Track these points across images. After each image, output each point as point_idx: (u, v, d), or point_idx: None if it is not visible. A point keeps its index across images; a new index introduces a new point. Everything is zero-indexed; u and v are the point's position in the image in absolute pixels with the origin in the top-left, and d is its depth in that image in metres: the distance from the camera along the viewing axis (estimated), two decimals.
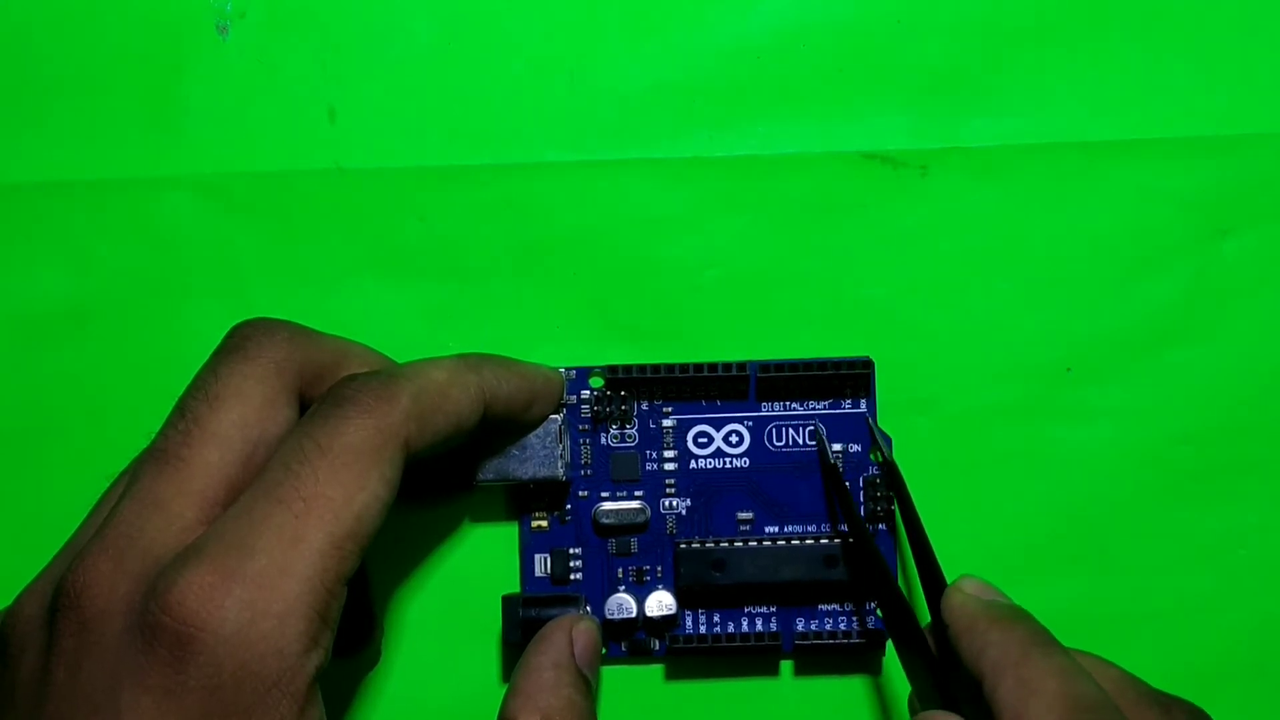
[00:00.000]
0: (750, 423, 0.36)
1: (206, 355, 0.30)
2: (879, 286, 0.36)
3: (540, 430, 0.34)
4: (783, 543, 0.35)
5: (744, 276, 0.36)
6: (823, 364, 0.35)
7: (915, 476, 0.35)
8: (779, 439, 0.36)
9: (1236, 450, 0.36)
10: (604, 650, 0.35)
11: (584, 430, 0.36)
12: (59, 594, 0.27)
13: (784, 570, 0.35)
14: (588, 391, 0.36)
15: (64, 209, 0.36)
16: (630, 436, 0.36)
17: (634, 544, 0.35)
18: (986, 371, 0.36)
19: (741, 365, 0.35)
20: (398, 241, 0.36)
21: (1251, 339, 0.36)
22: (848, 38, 0.36)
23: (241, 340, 0.30)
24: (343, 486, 0.28)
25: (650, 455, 0.36)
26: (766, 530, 0.36)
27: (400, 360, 0.32)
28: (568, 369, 0.35)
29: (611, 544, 0.36)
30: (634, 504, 0.35)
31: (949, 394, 0.36)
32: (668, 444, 0.36)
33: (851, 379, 0.36)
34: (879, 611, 0.35)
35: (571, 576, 0.35)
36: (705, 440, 0.36)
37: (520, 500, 0.36)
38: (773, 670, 0.36)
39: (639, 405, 0.36)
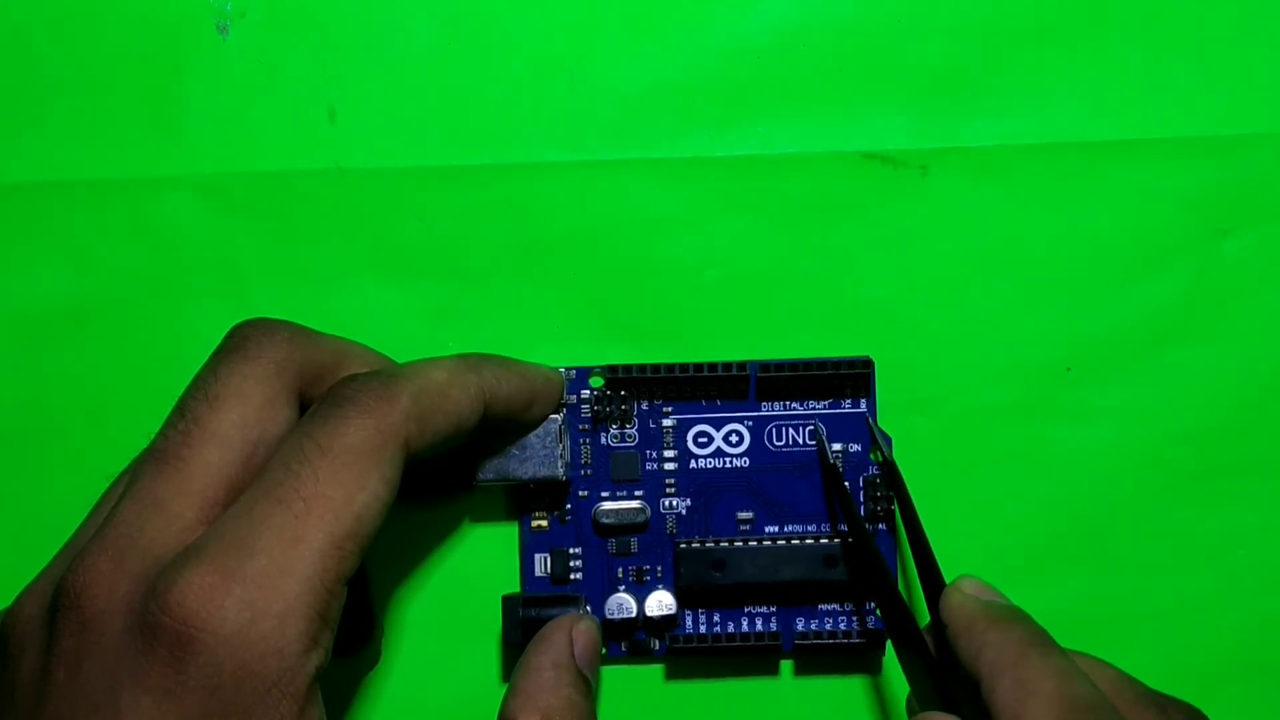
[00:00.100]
0: (750, 423, 0.36)
1: (206, 355, 0.30)
2: (879, 286, 0.36)
3: (540, 430, 0.34)
4: (783, 543, 0.35)
5: (744, 276, 0.36)
6: (823, 364, 0.35)
7: (915, 476, 0.35)
8: (779, 439, 0.36)
9: (1236, 450, 0.36)
10: (604, 650, 0.35)
11: (584, 430, 0.36)
12: (59, 594, 0.27)
13: (784, 570, 0.35)
14: (588, 391, 0.36)
15: (64, 209, 0.36)
16: (630, 436, 0.36)
17: (634, 544, 0.35)
18: (986, 371, 0.36)
19: (741, 365, 0.35)
20: (398, 241, 0.36)
21: (1251, 339, 0.36)
22: (848, 38, 0.36)
23: (241, 340, 0.30)
24: (343, 486, 0.28)
25: (650, 455, 0.36)
26: (766, 530, 0.36)
27: (400, 360, 0.33)
28: (568, 369, 0.35)
29: (611, 544, 0.36)
30: (634, 504, 0.36)
31: (949, 394, 0.36)
32: (668, 444, 0.36)
33: (851, 379, 0.36)
34: (878, 611, 0.35)
35: (571, 576, 0.35)
36: (705, 440, 0.36)
37: (520, 500, 0.36)
38: (773, 670, 0.36)
39: (639, 405, 0.36)
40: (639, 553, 0.36)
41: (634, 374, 0.35)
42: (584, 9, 0.36)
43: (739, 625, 0.35)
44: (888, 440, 0.35)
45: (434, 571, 0.36)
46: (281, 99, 0.36)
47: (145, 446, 0.29)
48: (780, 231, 0.36)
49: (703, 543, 0.35)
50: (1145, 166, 0.36)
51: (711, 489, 0.36)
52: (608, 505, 0.35)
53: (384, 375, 0.30)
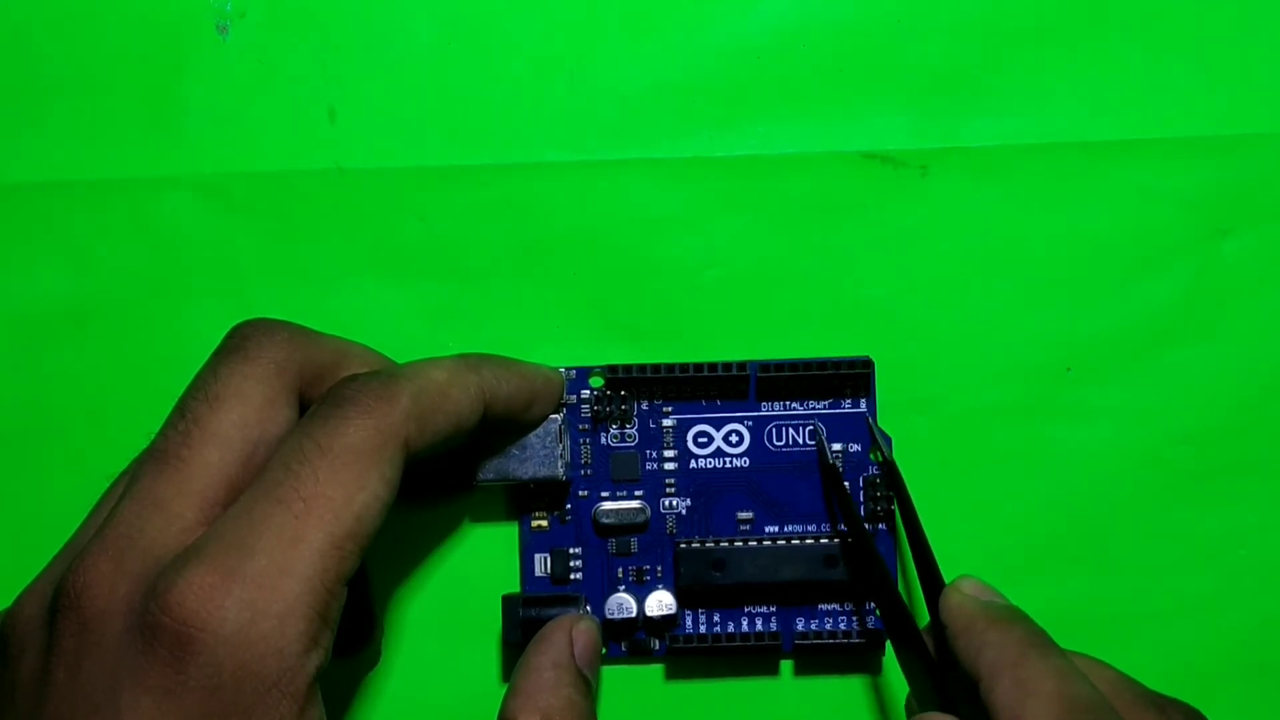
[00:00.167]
0: (750, 422, 0.36)
1: (206, 355, 0.30)
2: (879, 286, 0.36)
3: (540, 430, 0.34)
4: (783, 542, 0.35)
5: (744, 276, 0.36)
6: (823, 364, 0.35)
7: (915, 476, 0.35)
8: (779, 439, 0.36)
9: (1236, 450, 0.36)
10: (604, 650, 0.35)
11: (584, 430, 0.36)
12: (59, 594, 0.27)
13: (784, 570, 0.35)
14: (588, 391, 0.36)
15: (64, 209, 0.36)
16: (630, 436, 0.36)
17: (634, 544, 0.36)
18: (986, 371, 0.36)
19: (741, 365, 0.35)
20: (398, 241, 0.36)
21: (1251, 339, 0.36)
22: (848, 38, 0.36)
23: (241, 340, 0.30)
24: (343, 486, 0.28)
25: (650, 455, 0.36)
26: (766, 530, 0.36)
27: (400, 360, 0.32)
28: (568, 369, 0.35)
29: (611, 544, 0.36)
30: (634, 504, 0.36)
31: (949, 394, 0.36)
32: (668, 444, 0.36)
33: (851, 379, 0.36)
34: (878, 612, 0.35)
35: (571, 576, 0.35)
36: (705, 440, 0.36)
37: (520, 500, 0.36)
38: (773, 670, 0.36)
39: (639, 405, 0.36)
40: (639, 553, 0.36)
41: (634, 374, 0.35)
42: (584, 9, 0.36)
43: (739, 625, 0.35)
44: (888, 440, 0.35)
45: (434, 571, 0.36)
46: (281, 99, 0.36)
47: (145, 446, 0.29)
48: (780, 231, 0.36)
49: (703, 543, 0.35)
50: (1145, 166, 0.36)
51: (711, 489, 0.36)
52: (608, 505, 0.35)
53: (384, 375, 0.30)
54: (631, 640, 0.36)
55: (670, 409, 0.36)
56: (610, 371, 0.35)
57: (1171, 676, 0.33)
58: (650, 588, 0.35)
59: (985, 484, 0.36)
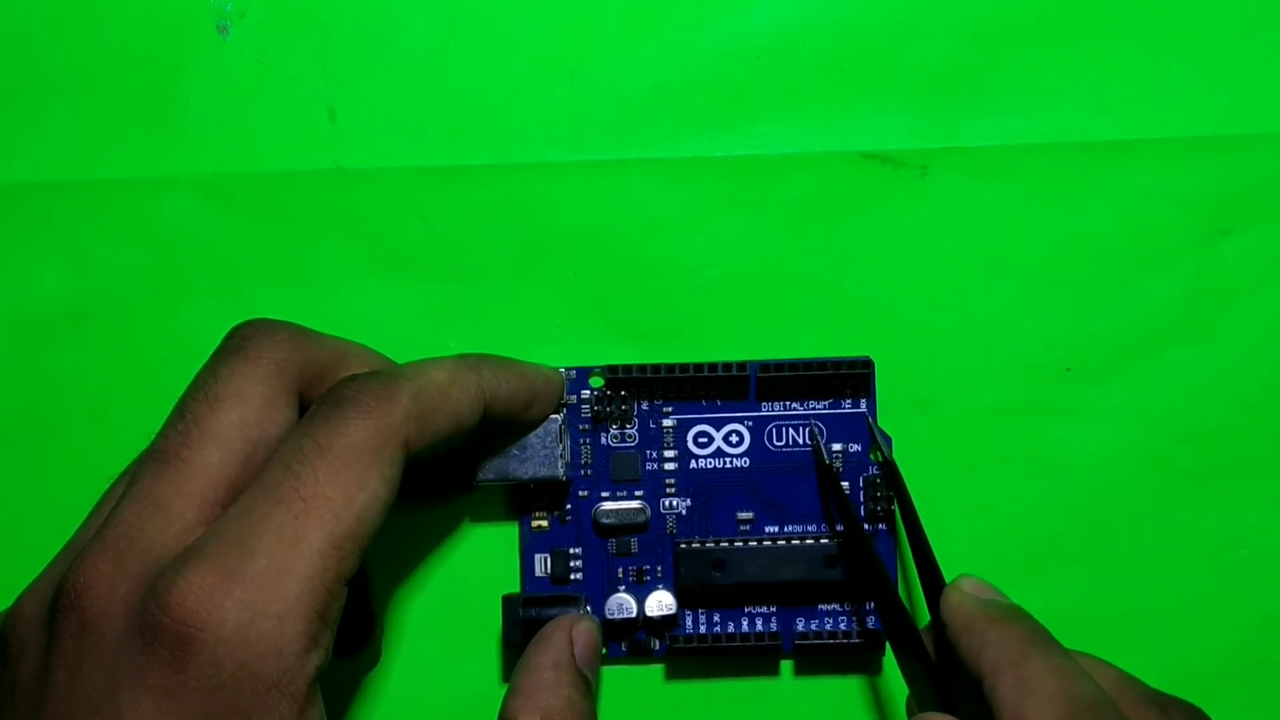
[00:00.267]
0: (750, 423, 0.36)
1: (206, 355, 0.30)
2: (879, 286, 0.36)
3: (540, 430, 0.34)
4: (783, 543, 0.35)
5: (744, 276, 0.36)
6: (823, 364, 0.35)
7: (915, 476, 0.35)
8: (779, 439, 0.36)
9: (1236, 450, 0.36)
10: (604, 650, 0.35)
11: (584, 430, 0.36)
12: (59, 594, 0.27)
13: (784, 570, 0.35)
14: (588, 391, 0.36)
15: (64, 209, 0.36)
16: (630, 436, 0.36)
17: (634, 544, 0.35)
18: (986, 371, 0.36)
19: (741, 365, 0.35)
20: (398, 241, 0.36)
21: (1251, 339, 0.36)
22: (848, 38, 0.36)
23: (241, 340, 0.30)
24: (343, 487, 0.28)
25: (650, 455, 0.36)
26: (766, 530, 0.36)
27: (400, 360, 0.32)
28: (568, 369, 0.35)
29: (611, 544, 0.36)
30: (634, 504, 0.35)
31: (949, 394, 0.36)
32: (668, 444, 0.36)
33: (851, 379, 0.36)
34: (878, 613, 0.35)
35: (571, 576, 0.35)
36: (705, 440, 0.36)
37: (520, 500, 0.36)
38: (773, 670, 0.36)
39: (639, 405, 0.36)
40: (639, 553, 0.36)
41: (634, 374, 0.35)
42: (584, 9, 0.36)
43: (739, 625, 0.35)
44: (888, 440, 0.35)
45: (434, 571, 0.36)
46: (281, 99, 0.36)
47: (145, 447, 0.29)
48: (780, 231, 0.36)
49: (703, 543, 0.35)
50: (1145, 166, 0.36)
51: (711, 489, 0.36)
52: (608, 505, 0.35)
53: (384, 375, 0.30)
54: (631, 640, 0.36)
55: (670, 409, 0.36)
56: (610, 371, 0.35)
57: (1172, 676, 0.33)
58: (650, 588, 0.35)
59: (985, 484, 0.36)
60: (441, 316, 0.36)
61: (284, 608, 0.26)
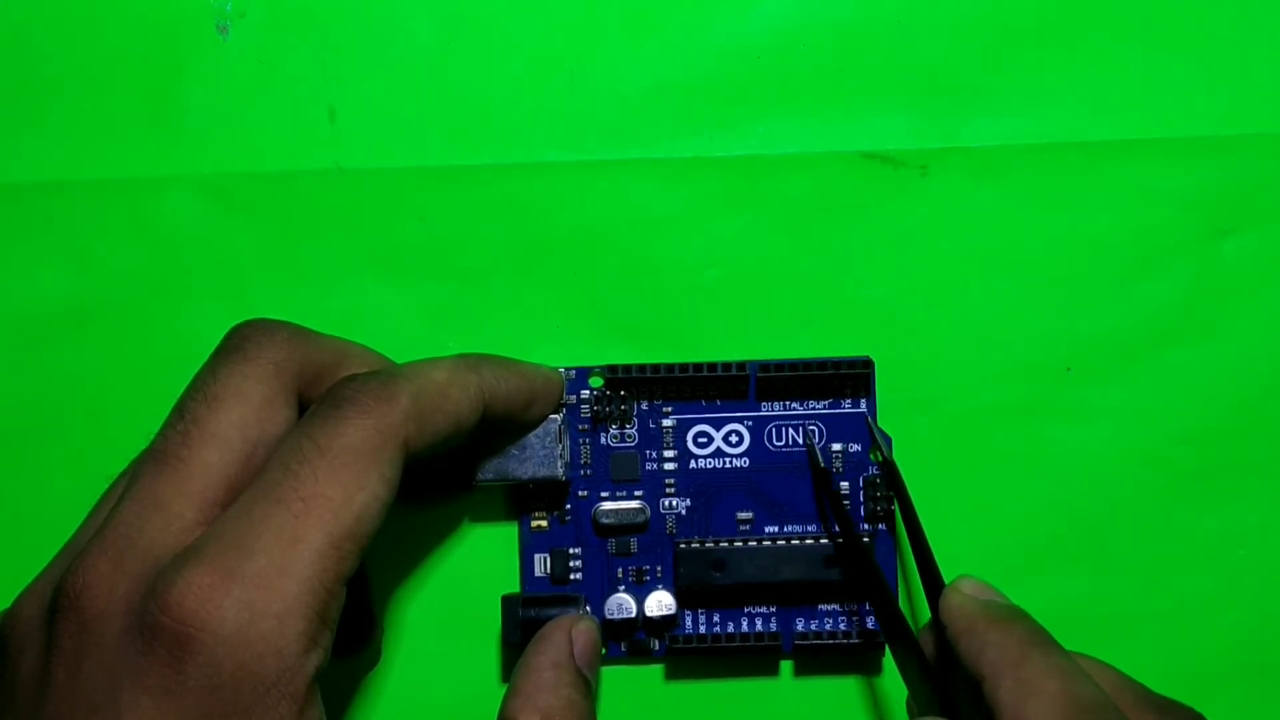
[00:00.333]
0: (750, 422, 0.36)
1: (206, 355, 0.30)
2: (879, 286, 0.36)
3: (540, 430, 0.34)
4: (782, 543, 0.35)
5: (744, 276, 0.36)
6: (823, 364, 0.35)
7: (915, 476, 0.35)
8: (779, 439, 0.36)
9: (1236, 450, 0.36)
10: (604, 650, 0.35)
11: (584, 430, 0.36)
12: (58, 594, 0.27)
13: (784, 570, 0.35)
14: (587, 391, 0.36)
15: (64, 209, 0.36)
16: (630, 436, 0.36)
17: (634, 544, 0.35)
18: (986, 371, 0.36)
19: (741, 365, 0.35)
20: (398, 241, 0.36)
21: (1251, 339, 0.36)
22: (848, 38, 0.36)
23: (241, 340, 0.30)
24: (342, 486, 0.28)
25: (650, 455, 0.36)
26: (766, 530, 0.36)
27: (400, 360, 0.32)
28: (568, 369, 0.35)
29: (611, 544, 0.36)
30: (634, 504, 0.35)
31: (949, 394, 0.36)
32: (667, 444, 0.36)
33: (851, 379, 0.36)
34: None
35: (571, 576, 0.35)
36: (705, 440, 0.36)
37: (520, 500, 0.36)
38: (772, 670, 0.36)
39: (639, 405, 0.36)
40: (639, 553, 0.36)
41: (634, 374, 0.35)
42: (584, 9, 0.36)
43: (739, 625, 0.35)
44: (887, 440, 0.35)
45: (434, 571, 0.36)
46: (281, 99, 0.36)
47: (145, 447, 0.29)
48: (780, 231, 0.36)
49: (702, 543, 0.35)
50: (1145, 166, 0.36)
51: (711, 489, 0.36)
52: (607, 505, 0.35)
53: (383, 375, 0.30)
54: (631, 640, 0.36)
55: (670, 409, 0.36)
56: (610, 371, 0.35)
57: (1172, 676, 0.33)
58: (650, 588, 0.35)
59: (985, 484, 0.36)
60: (441, 316, 0.36)
61: (283, 608, 0.26)
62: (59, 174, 0.36)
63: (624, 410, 0.36)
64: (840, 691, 0.36)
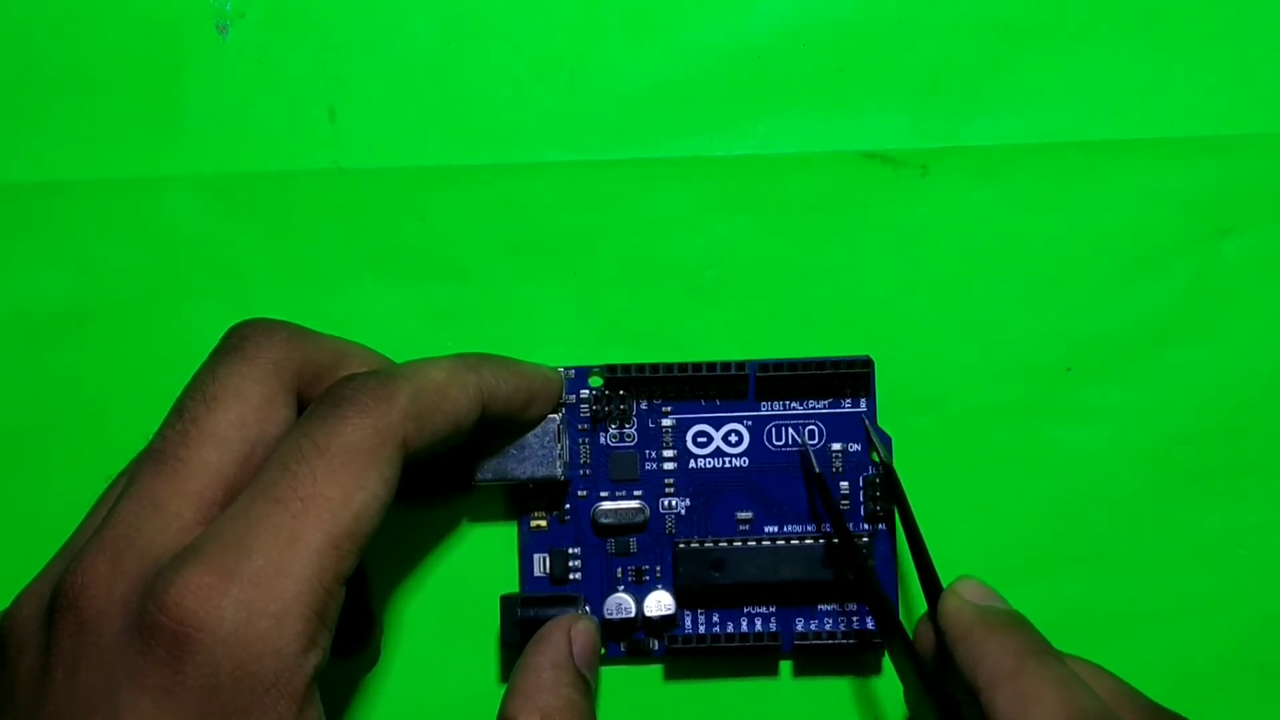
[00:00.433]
0: (749, 422, 0.36)
1: (206, 355, 0.30)
2: (879, 286, 0.36)
3: (539, 430, 0.34)
4: (782, 543, 0.35)
5: (744, 276, 0.36)
6: (822, 364, 0.35)
7: (915, 476, 0.35)
8: (778, 439, 0.36)
9: (1236, 450, 0.36)
10: (603, 650, 0.35)
11: (583, 430, 0.36)
12: (57, 594, 0.27)
13: (783, 570, 0.35)
14: (587, 391, 0.36)
15: (64, 209, 0.36)
16: (629, 436, 0.36)
17: (633, 544, 0.35)
18: (986, 371, 0.36)
19: (741, 365, 0.35)
20: (398, 241, 0.36)
21: (1251, 339, 0.36)
22: (848, 38, 0.36)
23: (239, 340, 0.30)
24: (340, 486, 0.28)
25: (649, 455, 0.36)
26: (766, 530, 0.36)
27: (400, 360, 0.32)
28: (567, 369, 0.35)
29: (611, 544, 0.36)
30: (633, 504, 0.35)
31: (949, 394, 0.36)
32: (667, 444, 0.36)
33: (851, 379, 0.36)
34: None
35: (570, 576, 0.35)
36: (704, 440, 0.36)
37: (519, 500, 0.36)
38: (772, 670, 0.36)
39: (638, 405, 0.36)
40: (638, 553, 0.36)
41: (633, 374, 0.35)
42: (584, 9, 0.36)
43: (738, 625, 0.35)
44: (887, 442, 0.35)
45: (433, 571, 0.36)
46: (281, 99, 0.36)
47: (144, 447, 0.29)
48: (780, 231, 0.36)
49: (702, 543, 0.35)
50: (1145, 166, 0.36)
51: (711, 489, 0.36)
52: (607, 505, 0.35)
53: (382, 375, 0.30)
54: (631, 640, 0.36)
55: (669, 409, 0.36)
56: (609, 371, 0.35)
57: (1171, 676, 0.33)
58: (649, 588, 0.35)
59: (985, 484, 0.36)
60: (441, 316, 0.36)
61: (282, 607, 0.26)
62: (59, 174, 0.36)
63: (623, 410, 0.36)
64: (839, 692, 0.36)
